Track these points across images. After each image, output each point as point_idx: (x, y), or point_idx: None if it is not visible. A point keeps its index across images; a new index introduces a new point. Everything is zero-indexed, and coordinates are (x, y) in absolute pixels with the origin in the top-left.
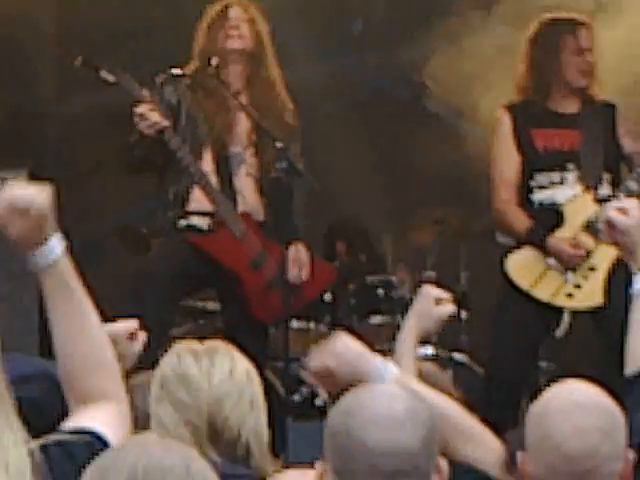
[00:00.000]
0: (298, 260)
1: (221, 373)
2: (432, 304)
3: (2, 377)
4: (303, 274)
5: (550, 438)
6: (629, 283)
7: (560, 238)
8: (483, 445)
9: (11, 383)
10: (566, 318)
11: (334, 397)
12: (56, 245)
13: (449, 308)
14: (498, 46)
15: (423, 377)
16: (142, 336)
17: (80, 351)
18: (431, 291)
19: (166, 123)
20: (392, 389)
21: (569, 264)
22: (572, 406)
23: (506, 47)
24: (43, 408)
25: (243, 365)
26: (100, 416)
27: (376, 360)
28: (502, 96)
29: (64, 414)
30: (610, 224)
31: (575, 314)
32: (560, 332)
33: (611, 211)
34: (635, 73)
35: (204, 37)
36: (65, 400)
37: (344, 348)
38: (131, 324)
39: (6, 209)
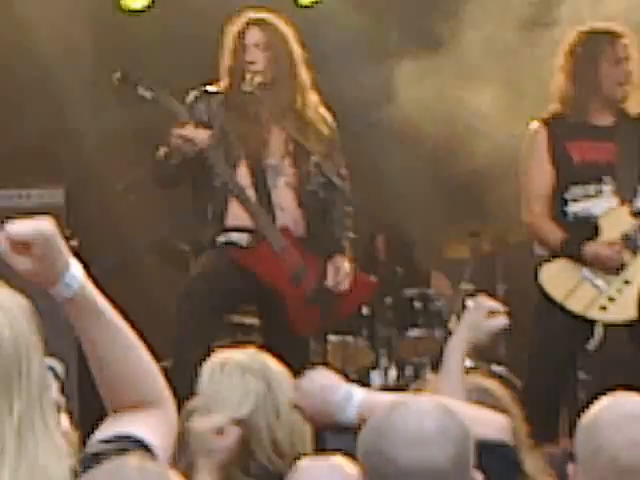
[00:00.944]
0: (338, 271)
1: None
2: (485, 316)
3: (46, 389)
4: (344, 284)
5: (603, 450)
6: None
7: (596, 243)
8: (489, 425)
9: None
10: (599, 331)
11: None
12: (74, 276)
13: (502, 321)
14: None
15: (482, 393)
16: (234, 432)
17: (124, 368)
18: (484, 303)
19: (209, 142)
20: (423, 406)
21: (608, 265)
22: (624, 418)
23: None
24: None
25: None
26: (139, 418)
27: (340, 389)
28: (533, 107)
29: None
30: None
31: (609, 326)
32: (593, 345)
33: None
34: None
35: (229, 58)
36: None
37: (309, 382)
38: (219, 420)
39: (9, 245)
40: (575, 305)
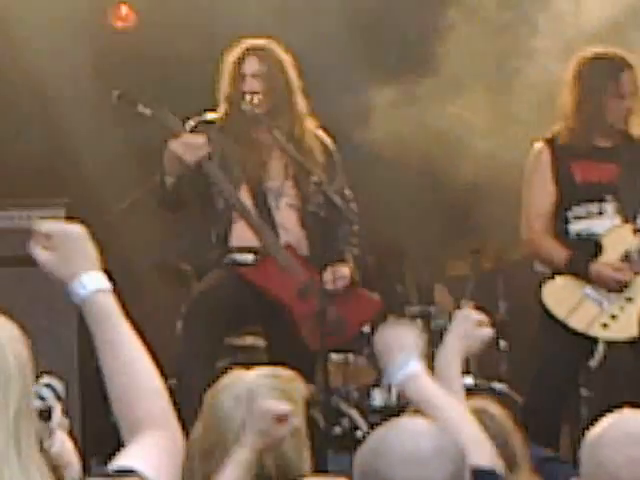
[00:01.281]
0: (335, 272)
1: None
2: (474, 326)
3: (27, 421)
4: (340, 283)
5: (604, 468)
6: None
7: (602, 263)
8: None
9: None
10: (600, 348)
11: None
12: (90, 281)
13: (490, 331)
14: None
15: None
16: (292, 421)
17: (126, 381)
18: (472, 314)
19: (210, 148)
20: (419, 426)
21: (614, 284)
22: (626, 436)
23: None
24: None
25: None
26: (145, 452)
27: (399, 357)
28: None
29: None
30: None
31: (612, 344)
32: (594, 362)
33: None
34: None
35: (227, 86)
36: None
37: (380, 337)
38: (282, 407)
39: (37, 237)
40: (577, 322)
